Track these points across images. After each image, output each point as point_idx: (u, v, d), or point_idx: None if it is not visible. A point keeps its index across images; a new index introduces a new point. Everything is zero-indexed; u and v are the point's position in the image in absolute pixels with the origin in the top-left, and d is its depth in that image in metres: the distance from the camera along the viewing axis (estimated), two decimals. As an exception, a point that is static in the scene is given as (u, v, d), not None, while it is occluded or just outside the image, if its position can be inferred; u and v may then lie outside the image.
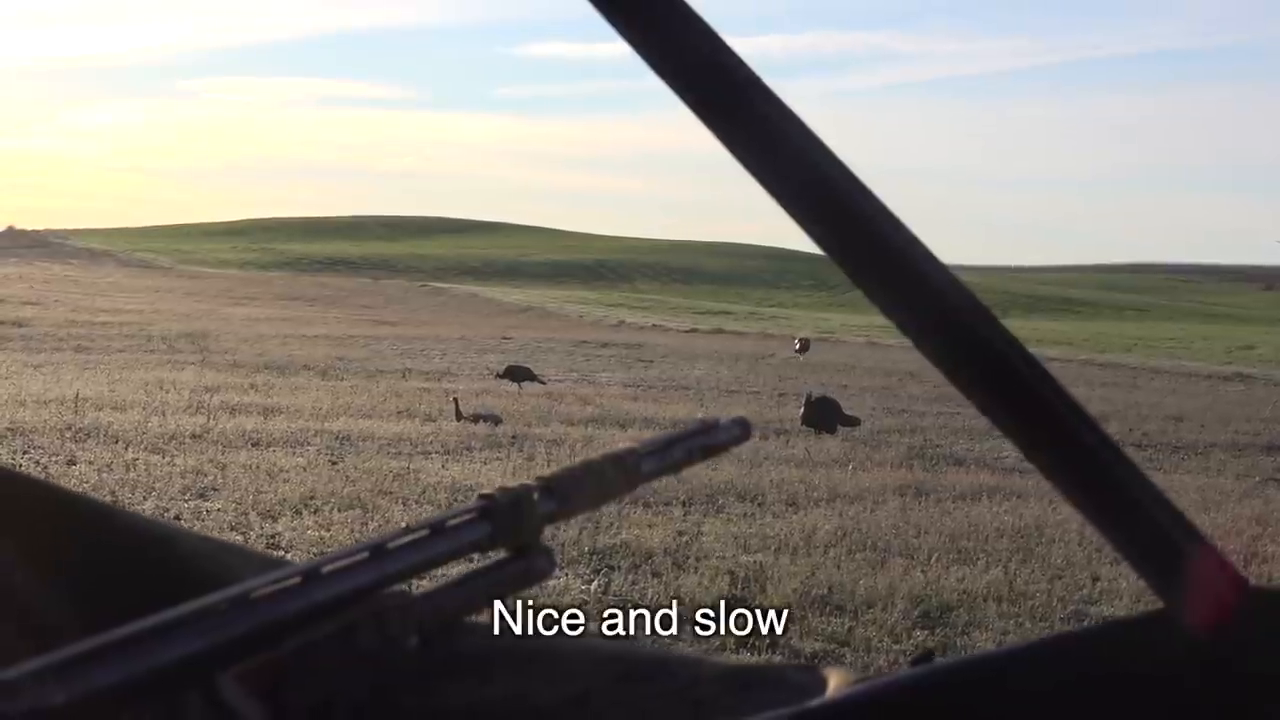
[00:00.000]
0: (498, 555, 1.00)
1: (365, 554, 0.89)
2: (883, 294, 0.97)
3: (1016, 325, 50.36)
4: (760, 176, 0.96)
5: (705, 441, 1.19)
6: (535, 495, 1.01)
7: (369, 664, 0.89)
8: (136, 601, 0.91)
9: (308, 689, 0.85)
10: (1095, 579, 8.66)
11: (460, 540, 0.95)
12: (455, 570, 0.96)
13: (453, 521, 0.94)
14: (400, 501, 9.94)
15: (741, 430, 1.23)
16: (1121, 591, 8.27)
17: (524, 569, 1.00)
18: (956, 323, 0.95)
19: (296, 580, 0.84)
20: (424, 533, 0.92)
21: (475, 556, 0.98)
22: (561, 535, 8.80)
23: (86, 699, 0.72)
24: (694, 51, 0.98)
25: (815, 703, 1.13)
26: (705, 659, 1.34)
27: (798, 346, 29.12)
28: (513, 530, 0.98)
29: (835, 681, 1.21)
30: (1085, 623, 7.64)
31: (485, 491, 0.98)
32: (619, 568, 8.38)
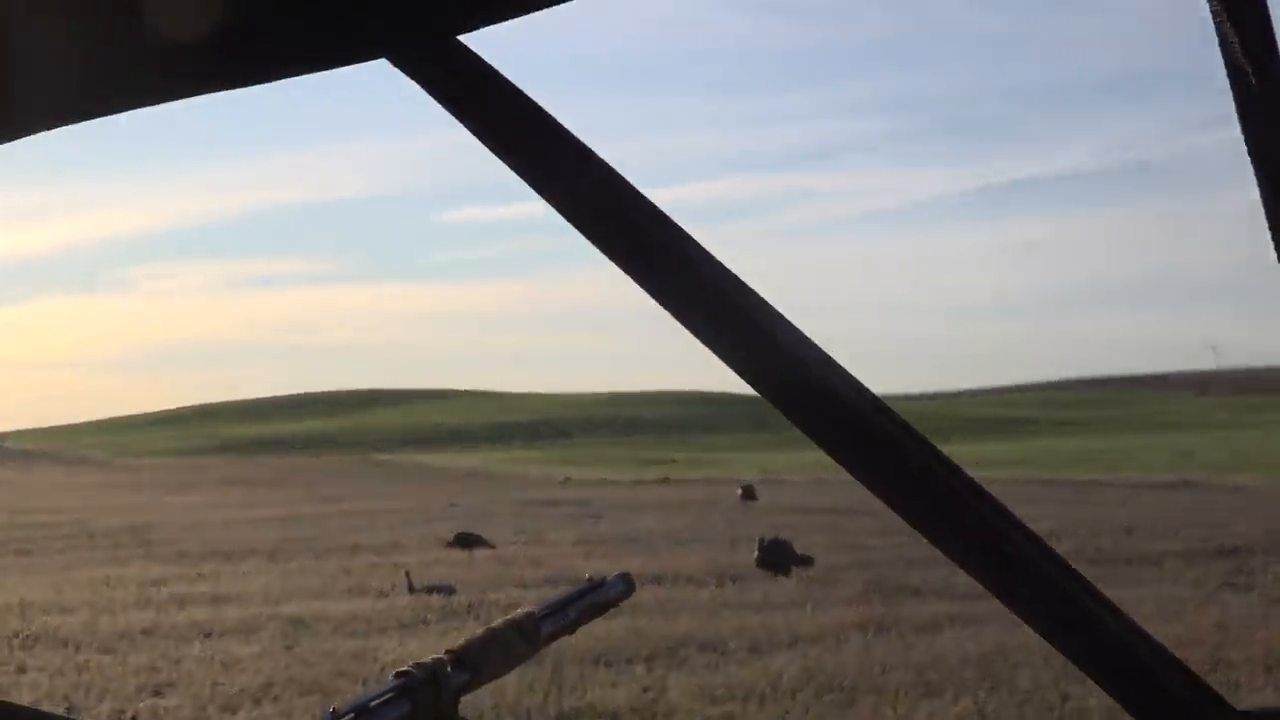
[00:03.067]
0: None
1: None
2: (810, 425, 0.99)
3: (961, 449, 50.56)
4: (688, 322, 1.00)
5: (596, 599, 1.26)
6: (448, 668, 1.05)
7: None
8: None
9: None
10: (1065, 699, 8.63)
11: (385, 719, 0.98)
12: None
13: (375, 702, 0.98)
14: (360, 682, 9.80)
15: (626, 586, 1.31)
16: (1091, 710, 8.25)
17: None
18: (884, 448, 0.98)
19: None
20: (349, 716, 0.95)
21: None
22: (527, 700, 8.71)
23: None
24: (612, 204, 1.02)
25: None
26: None
27: (740, 494, 29.08)
28: (431, 704, 1.02)
29: None
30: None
31: (401, 668, 1.02)
32: (587, 731, 8.29)
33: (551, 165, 1.03)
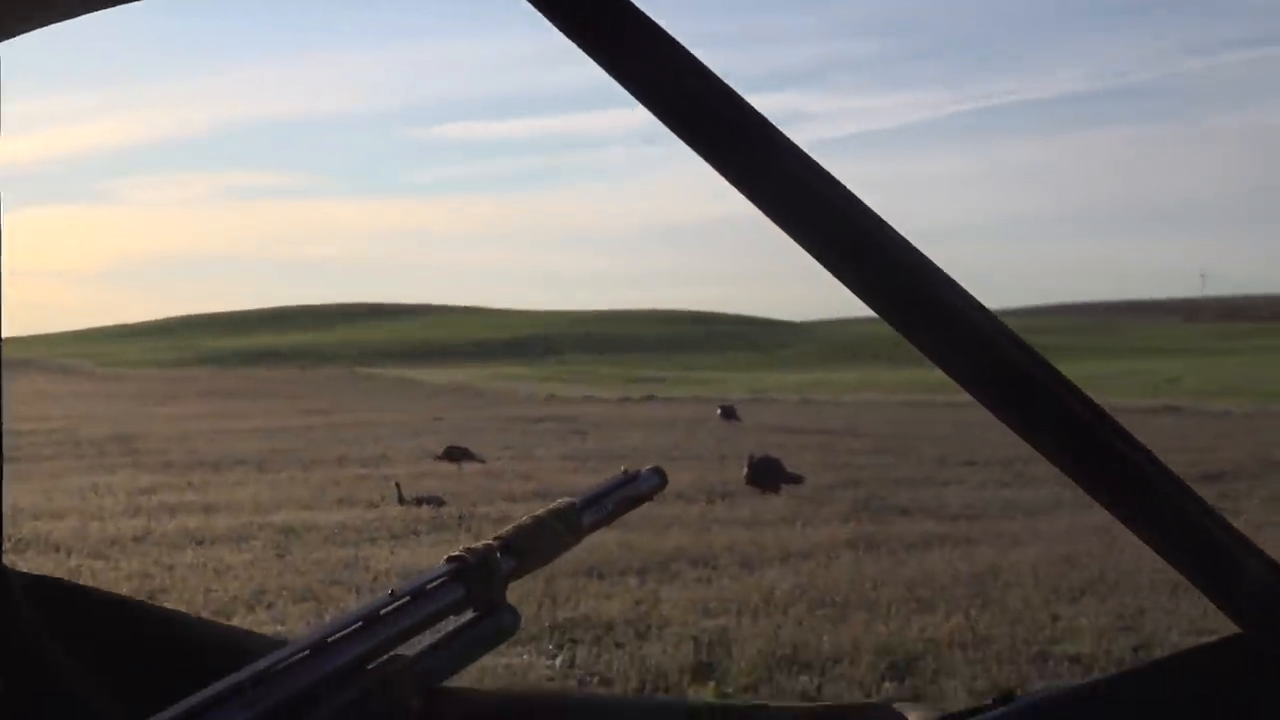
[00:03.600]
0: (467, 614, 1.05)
1: (360, 624, 0.92)
2: (933, 344, 0.96)
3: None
4: (769, 213, 0.97)
5: (631, 492, 1.27)
6: (498, 554, 1.05)
7: None
8: (167, 682, 0.92)
9: None
10: (1055, 618, 8.69)
11: (440, 602, 0.99)
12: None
13: (431, 585, 0.98)
14: (353, 590, 9.85)
15: (660, 479, 1.32)
16: (1083, 629, 8.30)
17: (496, 626, 1.05)
18: (1005, 367, 0.95)
19: (305, 653, 0.87)
20: (406, 599, 0.96)
21: None
22: (521, 611, 8.72)
23: None
24: (706, 103, 0.98)
25: None
26: (776, 704, 1.34)
27: (719, 414, 29.00)
28: (483, 590, 1.02)
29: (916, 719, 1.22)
30: (1050, 662, 7.67)
31: (453, 553, 1.02)
32: (582, 640, 8.32)
33: (642, 61, 0.99)
